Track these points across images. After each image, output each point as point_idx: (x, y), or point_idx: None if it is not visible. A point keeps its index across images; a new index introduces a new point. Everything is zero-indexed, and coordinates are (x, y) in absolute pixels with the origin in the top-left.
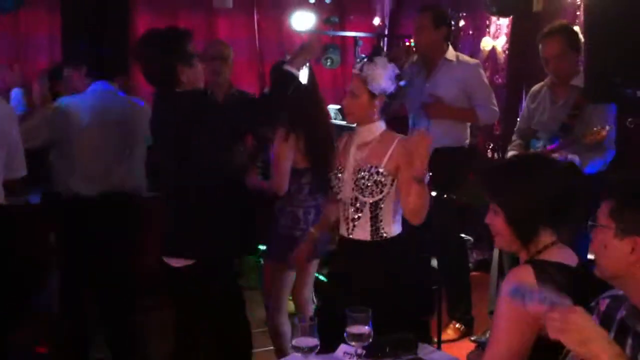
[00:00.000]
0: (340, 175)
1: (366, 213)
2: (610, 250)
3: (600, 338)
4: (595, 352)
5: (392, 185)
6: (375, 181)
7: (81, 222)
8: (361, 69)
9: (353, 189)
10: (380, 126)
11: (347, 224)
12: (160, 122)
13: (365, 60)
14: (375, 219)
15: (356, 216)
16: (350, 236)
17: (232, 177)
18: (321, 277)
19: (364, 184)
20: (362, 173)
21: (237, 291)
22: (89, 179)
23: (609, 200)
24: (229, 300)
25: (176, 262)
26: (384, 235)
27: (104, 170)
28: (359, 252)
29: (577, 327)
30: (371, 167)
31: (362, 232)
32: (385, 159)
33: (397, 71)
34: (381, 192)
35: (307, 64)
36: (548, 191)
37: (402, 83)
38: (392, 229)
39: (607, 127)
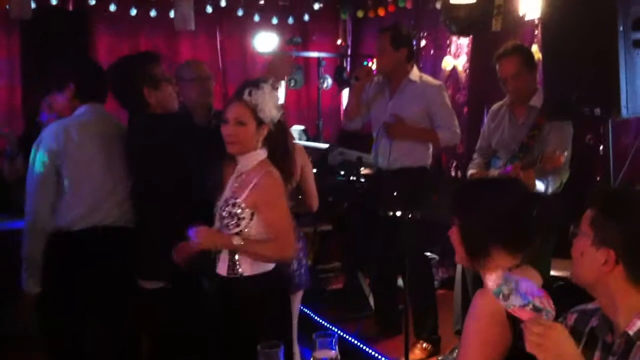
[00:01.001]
0: (215, 205)
1: None
2: (587, 258)
3: (575, 356)
4: None
5: (251, 219)
6: (231, 213)
7: (68, 257)
8: (250, 95)
9: (218, 220)
10: (260, 155)
11: (214, 256)
12: (134, 146)
13: (251, 87)
14: (232, 254)
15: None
16: (215, 270)
17: (203, 199)
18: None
19: (224, 215)
20: (225, 204)
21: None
22: (77, 212)
23: (592, 208)
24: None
25: (150, 285)
26: (240, 272)
27: (94, 203)
28: (220, 286)
29: (555, 344)
30: (232, 198)
31: (222, 266)
32: (246, 192)
33: (281, 101)
34: (237, 225)
35: (281, 83)
36: (497, 212)
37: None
38: (252, 267)
39: (565, 153)
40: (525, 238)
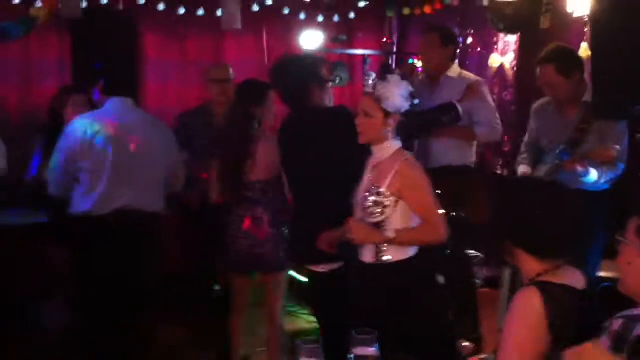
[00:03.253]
0: (355, 196)
1: None
2: (634, 267)
3: None
4: None
5: (395, 206)
6: (375, 202)
7: (93, 242)
8: (374, 88)
9: (361, 210)
10: (393, 145)
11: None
12: (297, 136)
13: (377, 79)
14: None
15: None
16: (360, 257)
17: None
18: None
19: (367, 205)
20: (368, 194)
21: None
22: (102, 197)
23: (638, 217)
24: None
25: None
26: (386, 259)
27: (118, 188)
28: (364, 273)
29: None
30: (374, 187)
31: (368, 254)
32: (388, 180)
33: (410, 89)
34: (382, 213)
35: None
36: (520, 217)
37: (415, 101)
38: (398, 252)
39: (617, 147)
40: (554, 246)
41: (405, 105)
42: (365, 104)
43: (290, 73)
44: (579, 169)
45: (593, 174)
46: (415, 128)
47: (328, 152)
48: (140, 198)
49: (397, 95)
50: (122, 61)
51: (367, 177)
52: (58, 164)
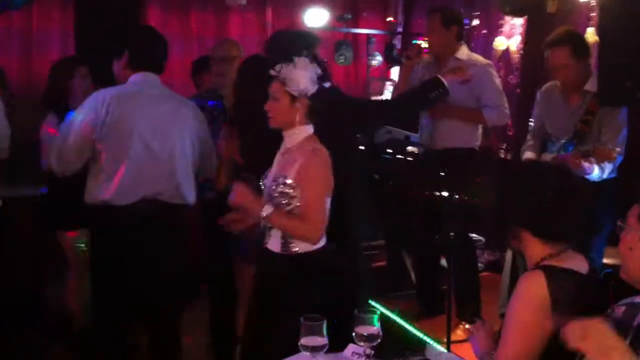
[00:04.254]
0: (262, 182)
1: None
2: (636, 253)
3: (621, 348)
4: (612, 358)
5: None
6: (282, 192)
7: (115, 235)
8: (279, 71)
9: (268, 198)
10: (304, 131)
11: (265, 231)
12: None
13: (286, 63)
14: (285, 232)
15: (269, 225)
16: (266, 245)
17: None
18: None
19: (275, 194)
20: (275, 183)
21: None
22: (124, 185)
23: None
24: None
25: None
26: (294, 249)
27: (142, 175)
28: (270, 263)
29: (598, 336)
30: (282, 177)
31: (274, 243)
32: (294, 170)
33: (319, 72)
34: (289, 204)
35: None
36: (527, 200)
37: (326, 84)
38: (304, 245)
39: (618, 149)
40: (556, 228)
41: (311, 89)
42: (273, 87)
43: (283, 50)
44: (585, 165)
45: (597, 171)
46: (406, 108)
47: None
48: (167, 186)
49: (303, 77)
50: (148, 33)
51: (276, 163)
52: (73, 140)
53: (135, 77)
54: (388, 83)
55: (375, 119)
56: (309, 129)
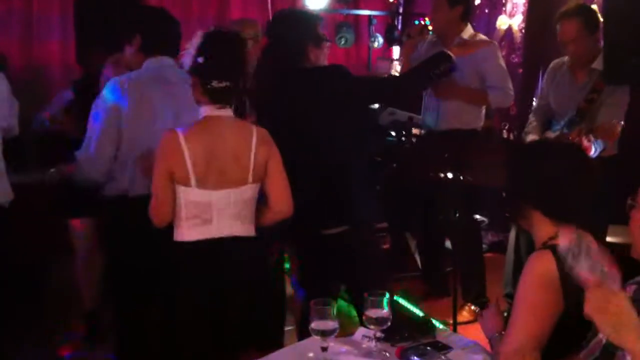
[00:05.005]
0: None
1: None
2: None
3: (636, 327)
4: (626, 339)
5: None
6: None
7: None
8: None
9: None
10: (200, 112)
11: None
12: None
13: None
14: None
15: None
16: None
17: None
18: None
19: None
20: None
21: None
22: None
23: None
24: None
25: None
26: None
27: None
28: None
29: (616, 311)
30: None
31: None
32: None
33: (197, 44)
34: None
35: None
36: (535, 178)
37: (199, 59)
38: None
39: (622, 122)
40: (568, 207)
41: (188, 62)
42: None
43: (286, 29)
44: (585, 143)
45: (596, 148)
46: (412, 85)
47: (325, 114)
48: None
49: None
50: (161, 15)
51: None
52: (104, 140)
53: (150, 62)
54: (396, 62)
55: (392, 93)
56: (203, 111)
